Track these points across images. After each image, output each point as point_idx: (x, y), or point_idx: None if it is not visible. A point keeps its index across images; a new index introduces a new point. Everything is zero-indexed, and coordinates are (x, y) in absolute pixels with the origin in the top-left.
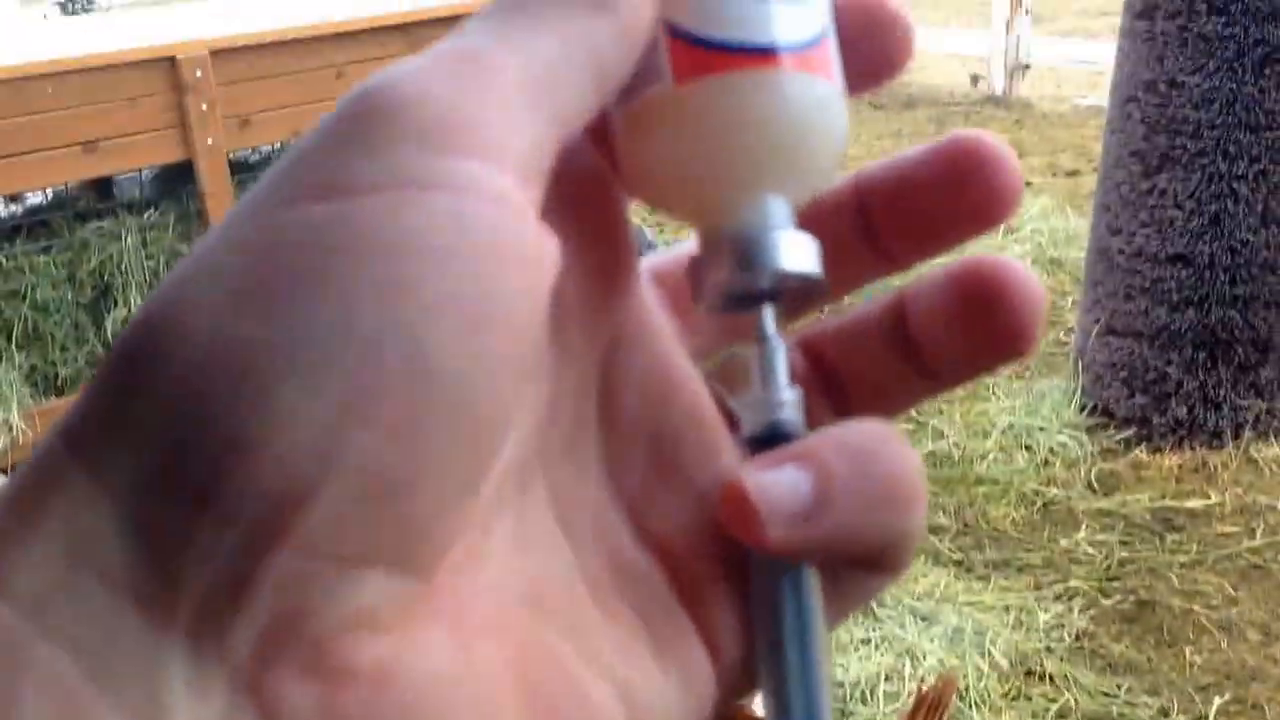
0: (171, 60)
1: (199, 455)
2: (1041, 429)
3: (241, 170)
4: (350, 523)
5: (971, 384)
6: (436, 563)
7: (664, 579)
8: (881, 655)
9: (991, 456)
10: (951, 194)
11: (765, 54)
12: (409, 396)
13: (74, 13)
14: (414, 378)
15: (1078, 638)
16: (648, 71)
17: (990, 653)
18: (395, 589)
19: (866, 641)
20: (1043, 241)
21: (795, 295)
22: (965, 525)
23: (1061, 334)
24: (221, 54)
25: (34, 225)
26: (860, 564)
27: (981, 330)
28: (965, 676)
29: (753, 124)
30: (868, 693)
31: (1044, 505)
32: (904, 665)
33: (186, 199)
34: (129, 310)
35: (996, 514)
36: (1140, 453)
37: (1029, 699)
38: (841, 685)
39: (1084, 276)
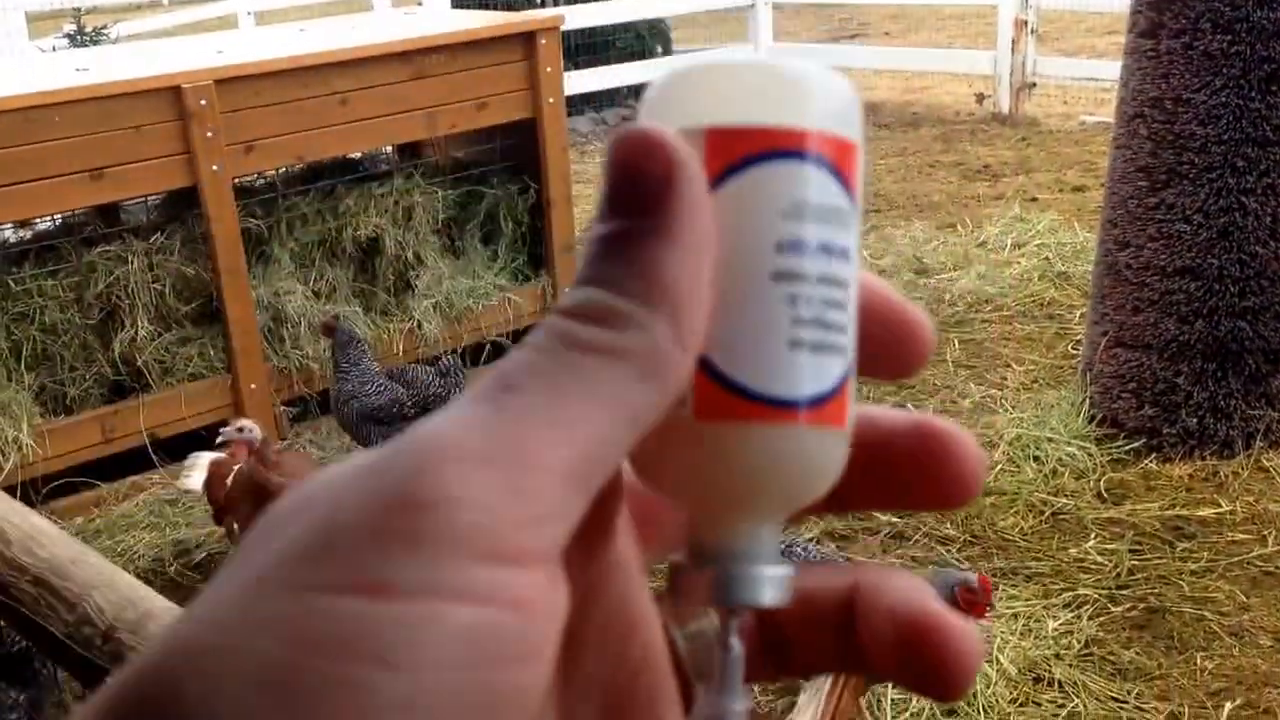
0: (176, 89)
1: None
2: (1050, 440)
3: (245, 195)
4: None
5: (978, 396)
6: None
7: None
8: None
9: (999, 467)
10: (916, 475)
11: (785, 408)
12: None
13: (82, 44)
14: None
15: (1087, 645)
16: None
17: (998, 660)
18: None
19: None
20: (1050, 256)
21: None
22: (973, 536)
23: (1069, 347)
24: (225, 82)
25: (42, 250)
26: None
27: (918, 674)
28: (974, 684)
29: (761, 472)
30: (875, 703)
31: (1052, 515)
32: None
33: (191, 223)
34: (136, 332)
35: (1005, 524)
36: (1150, 463)
37: (1038, 705)
38: None
39: (1091, 290)
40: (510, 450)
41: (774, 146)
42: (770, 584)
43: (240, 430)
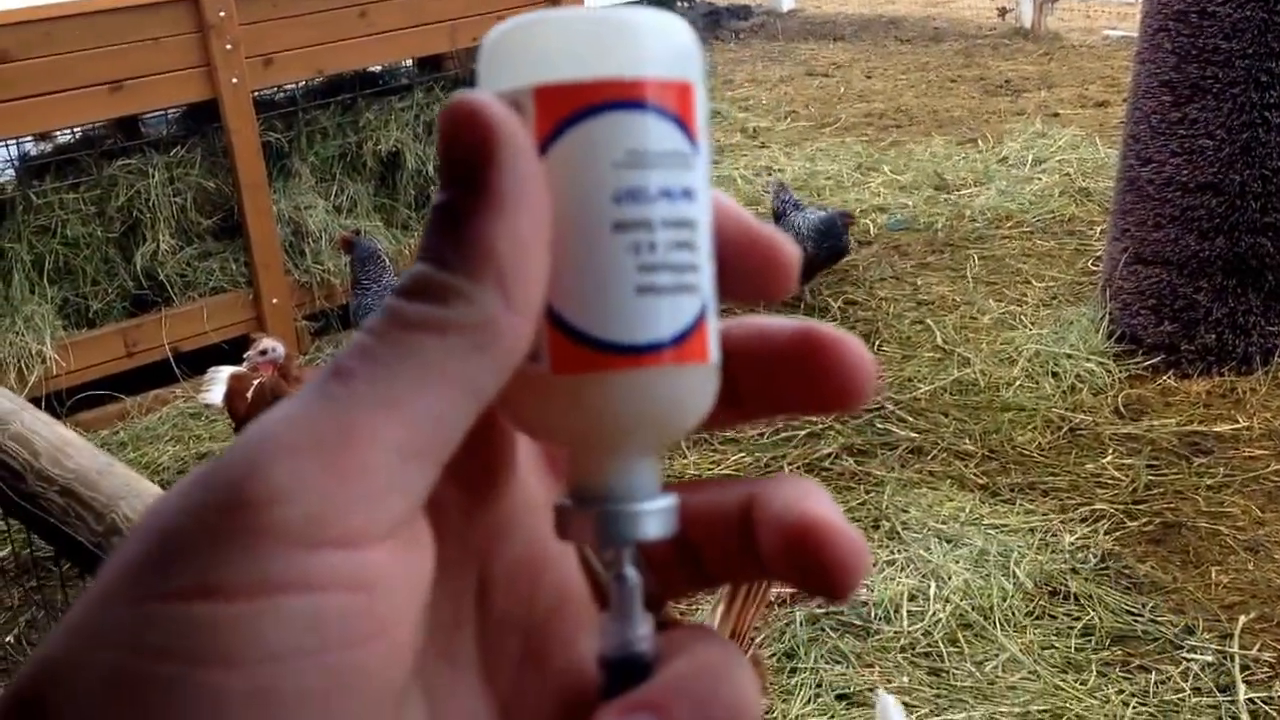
0: (195, 1)
1: None
2: (1069, 356)
3: (265, 109)
4: None
5: (997, 313)
6: None
7: None
8: (906, 577)
9: (1018, 383)
10: (807, 382)
11: (642, 353)
12: None
13: None
14: None
15: (1103, 559)
16: None
17: (1015, 574)
18: None
19: (891, 563)
20: (1071, 172)
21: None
22: (991, 451)
23: (1089, 263)
24: None
25: (63, 163)
26: None
27: (806, 575)
28: (990, 596)
29: (625, 417)
30: (892, 612)
31: (1070, 431)
32: (929, 586)
33: (212, 137)
34: (157, 245)
35: (1022, 439)
36: (1168, 379)
37: (1053, 618)
38: (865, 605)
39: (1112, 206)
40: (338, 437)
41: (603, 99)
42: (652, 518)
43: (264, 353)
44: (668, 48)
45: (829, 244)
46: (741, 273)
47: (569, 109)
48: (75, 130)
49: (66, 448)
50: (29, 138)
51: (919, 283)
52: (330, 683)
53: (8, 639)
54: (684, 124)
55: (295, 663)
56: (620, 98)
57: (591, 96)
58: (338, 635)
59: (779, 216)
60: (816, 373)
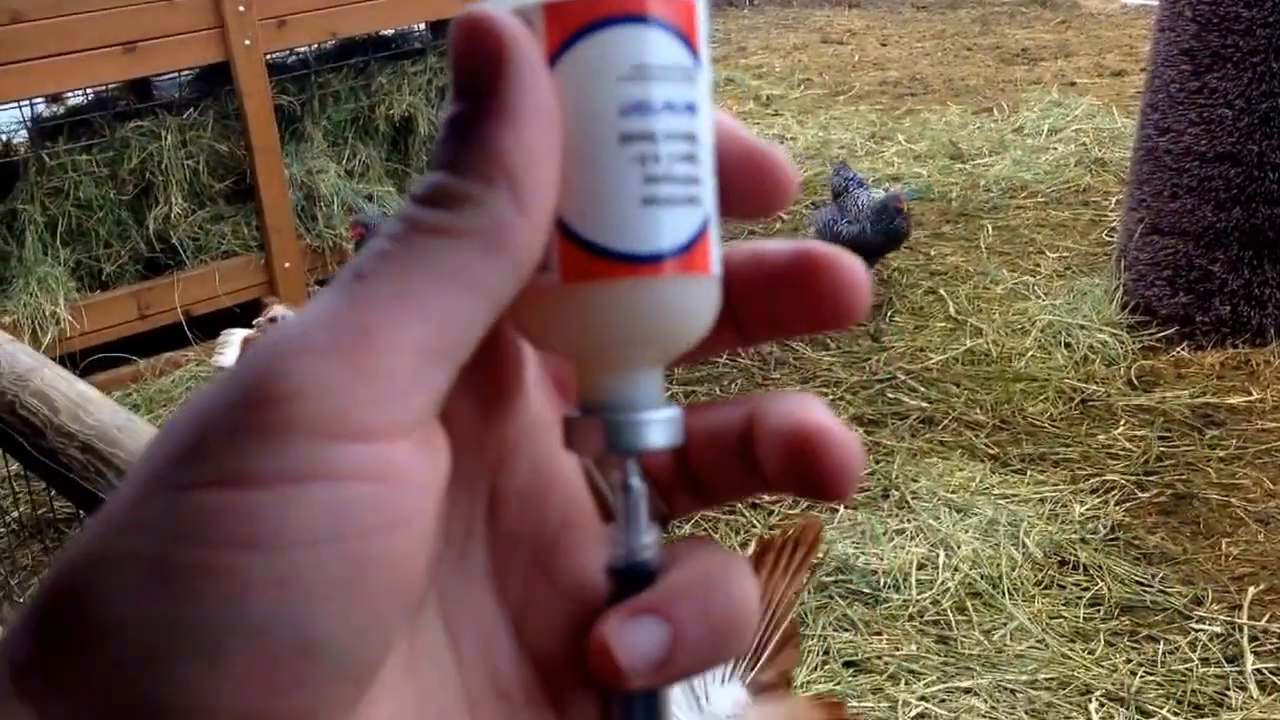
0: None
1: (123, 715)
2: (1082, 327)
3: (278, 71)
4: None
5: (1010, 283)
6: None
7: (537, 687)
8: (915, 545)
9: (1030, 354)
10: (804, 300)
11: (647, 262)
12: (298, 667)
13: None
14: (301, 653)
15: (1112, 530)
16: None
17: (1024, 543)
18: None
19: (901, 531)
20: (1087, 142)
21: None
22: (1002, 421)
23: (1104, 234)
24: None
25: (76, 124)
26: (701, 673)
27: (803, 479)
28: (999, 566)
29: (632, 325)
30: (900, 581)
31: (1082, 402)
32: (938, 555)
33: (224, 99)
34: (170, 208)
35: (1034, 410)
36: (1181, 350)
37: (1062, 588)
38: (875, 573)
39: (1129, 176)
40: (357, 335)
41: (609, 13)
42: (657, 427)
43: (273, 320)
44: None
45: (881, 226)
46: (740, 187)
47: (576, 24)
48: (87, 92)
49: (86, 404)
50: (41, 99)
51: (932, 252)
52: (351, 570)
53: (22, 599)
54: (687, 38)
55: (318, 549)
56: (626, 12)
57: (598, 11)
58: (359, 523)
59: (839, 194)
60: (814, 293)
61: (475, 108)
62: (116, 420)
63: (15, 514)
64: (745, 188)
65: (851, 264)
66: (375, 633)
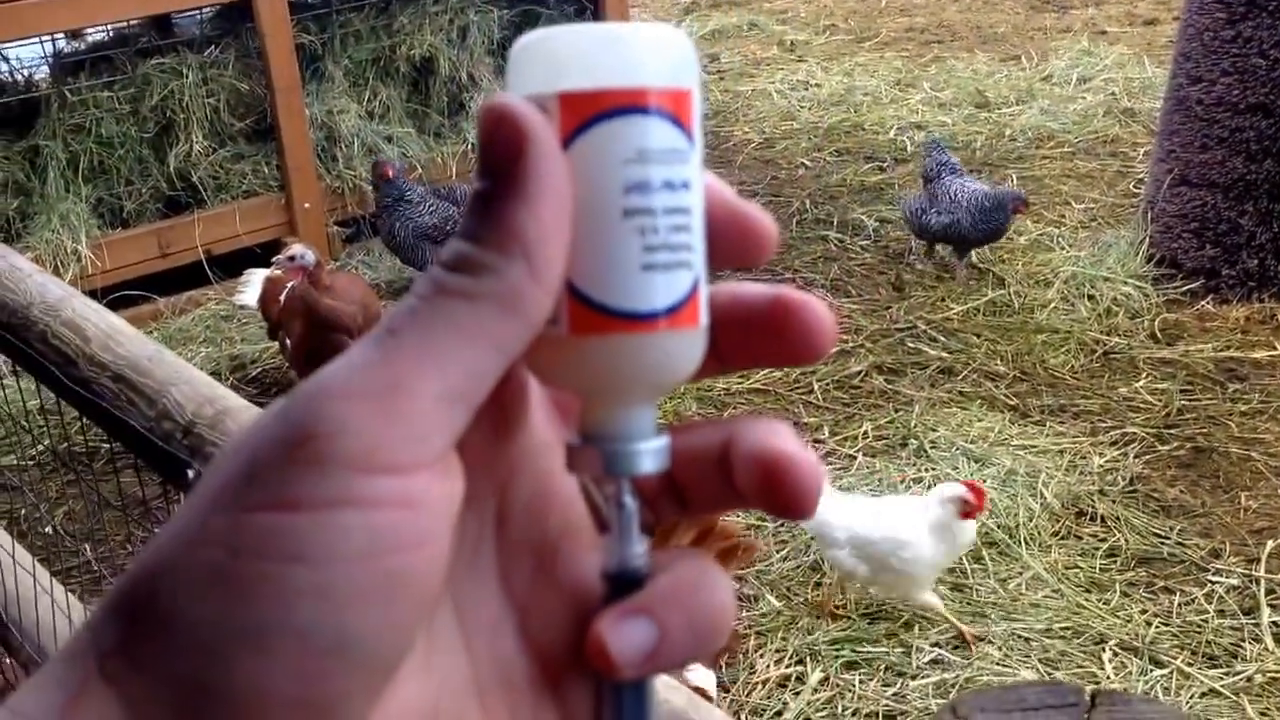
0: None
1: (201, 700)
2: (1106, 279)
3: (299, 10)
4: None
5: (1034, 234)
6: None
7: (538, 676)
8: None
9: (1053, 305)
10: (777, 339)
11: (645, 320)
12: (335, 662)
13: None
14: (338, 649)
15: (1131, 482)
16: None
17: (1042, 494)
18: None
19: (918, 480)
20: (1116, 91)
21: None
22: (1023, 372)
23: (1131, 185)
24: None
25: (97, 60)
26: (683, 666)
27: (773, 500)
28: (1016, 516)
29: (628, 371)
30: None
31: (1104, 354)
32: None
33: (245, 38)
34: (191, 146)
35: (1055, 361)
36: (1206, 304)
37: (1079, 538)
38: None
39: (1159, 126)
40: (388, 384)
41: (616, 104)
42: (648, 456)
43: (292, 259)
44: (669, 60)
45: (989, 225)
46: (728, 244)
47: (588, 113)
48: (109, 28)
49: (117, 335)
50: (62, 34)
51: None
52: (381, 582)
53: (47, 529)
54: (682, 125)
55: (353, 564)
56: (630, 104)
57: (607, 102)
58: (389, 543)
59: (930, 179)
60: (786, 333)
61: (497, 187)
62: (146, 351)
63: (42, 445)
64: (732, 244)
65: (817, 309)
66: (399, 633)
